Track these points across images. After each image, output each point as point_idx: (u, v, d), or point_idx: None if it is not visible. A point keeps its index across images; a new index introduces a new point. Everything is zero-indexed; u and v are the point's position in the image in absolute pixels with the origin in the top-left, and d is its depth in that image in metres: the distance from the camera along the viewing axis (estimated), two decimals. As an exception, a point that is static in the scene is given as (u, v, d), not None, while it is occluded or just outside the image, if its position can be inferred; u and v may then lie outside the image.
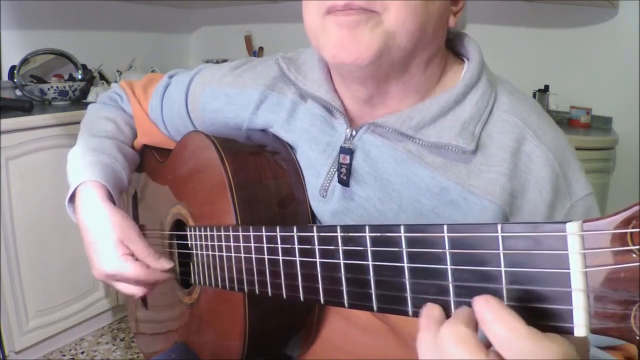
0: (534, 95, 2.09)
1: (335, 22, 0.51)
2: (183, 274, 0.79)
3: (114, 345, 2.01)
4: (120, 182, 0.78)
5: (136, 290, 0.70)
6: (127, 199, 1.01)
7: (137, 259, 0.69)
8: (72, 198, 0.74)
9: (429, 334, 0.33)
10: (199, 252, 0.67)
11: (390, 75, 0.56)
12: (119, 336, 2.07)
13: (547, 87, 2.09)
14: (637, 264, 0.25)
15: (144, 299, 0.96)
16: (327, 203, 0.64)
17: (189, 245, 0.71)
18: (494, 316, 0.29)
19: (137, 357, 1.94)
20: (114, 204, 0.73)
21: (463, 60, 0.62)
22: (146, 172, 0.92)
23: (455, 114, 0.57)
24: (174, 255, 0.81)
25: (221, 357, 0.69)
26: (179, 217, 0.77)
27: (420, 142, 0.57)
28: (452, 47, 0.63)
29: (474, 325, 0.31)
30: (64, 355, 1.92)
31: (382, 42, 0.50)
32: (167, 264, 0.70)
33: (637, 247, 0.25)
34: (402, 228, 0.35)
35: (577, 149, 1.91)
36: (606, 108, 2.08)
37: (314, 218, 0.67)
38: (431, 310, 0.34)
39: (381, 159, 0.60)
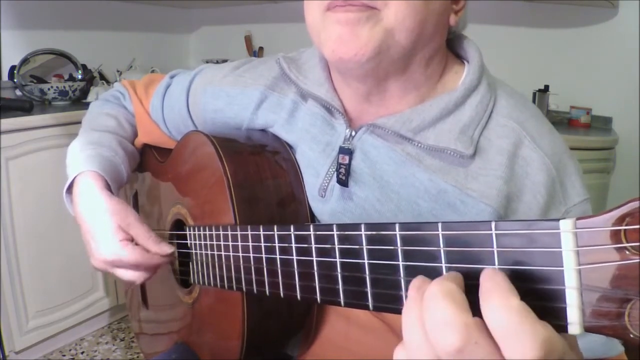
0: (534, 95, 2.09)
1: (335, 19, 0.51)
2: (183, 274, 0.79)
3: (114, 345, 2.01)
4: (119, 175, 0.78)
5: (136, 276, 0.70)
6: (127, 198, 1.02)
7: (136, 244, 0.69)
8: (70, 190, 0.74)
9: (417, 304, 0.31)
10: (198, 251, 0.67)
11: (390, 73, 0.56)
12: (119, 336, 2.07)
13: (547, 87, 2.09)
14: (631, 261, 0.25)
15: (144, 299, 0.96)
16: (326, 203, 0.64)
17: (188, 244, 0.71)
18: (493, 284, 0.28)
19: (137, 357, 1.94)
20: (112, 194, 0.73)
21: (463, 62, 0.62)
22: (147, 172, 0.92)
23: (455, 117, 0.57)
24: (174, 254, 0.81)
25: (221, 357, 0.69)
26: (179, 216, 0.77)
27: (419, 144, 0.57)
28: (452, 48, 0.63)
29: (463, 287, 0.30)
30: (64, 355, 1.92)
31: (382, 40, 0.51)
32: (167, 249, 0.70)
33: (631, 244, 0.25)
34: (397, 226, 0.35)
35: (577, 149, 1.90)
36: (606, 108, 2.08)
37: (313, 218, 0.67)
38: (422, 283, 0.32)
39: (380, 160, 0.60)
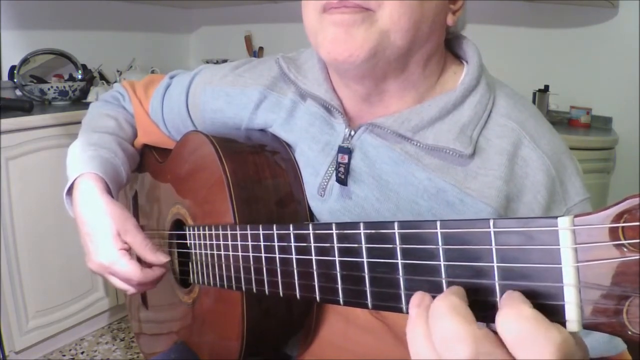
0: (534, 95, 2.09)
1: (331, 20, 0.52)
2: (183, 274, 0.79)
3: (114, 345, 2.01)
4: (119, 176, 0.78)
5: (127, 288, 0.70)
6: (127, 198, 1.02)
7: (133, 255, 0.69)
8: (70, 191, 0.74)
9: (421, 321, 0.31)
10: (198, 251, 0.67)
11: (387, 73, 0.56)
12: (119, 336, 2.07)
13: (547, 87, 2.09)
14: (629, 258, 0.25)
15: (144, 299, 0.96)
16: (325, 202, 0.64)
17: (188, 244, 0.71)
18: (506, 297, 0.29)
19: (137, 357, 1.94)
20: (112, 197, 0.74)
21: (462, 62, 0.62)
22: (146, 172, 0.92)
23: (454, 117, 0.57)
24: (173, 254, 0.81)
25: (220, 357, 0.69)
26: (179, 216, 0.77)
27: (418, 144, 0.57)
28: (451, 49, 0.63)
29: (466, 300, 0.31)
30: (64, 355, 1.92)
31: (377, 41, 0.51)
32: (163, 258, 0.70)
33: (629, 241, 0.25)
34: (395, 225, 0.35)
35: (577, 149, 1.90)
36: (606, 108, 2.08)
37: (312, 217, 0.67)
38: (421, 299, 0.33)
39: (379, 159, 0.60)
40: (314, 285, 0.44)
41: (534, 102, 2.08)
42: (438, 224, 0.33)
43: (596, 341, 0.56)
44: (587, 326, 0.27)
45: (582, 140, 1.87)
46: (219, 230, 0.60)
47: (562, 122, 2.11)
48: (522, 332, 0.26)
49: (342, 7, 0.50)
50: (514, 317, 0.27)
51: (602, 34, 2.06)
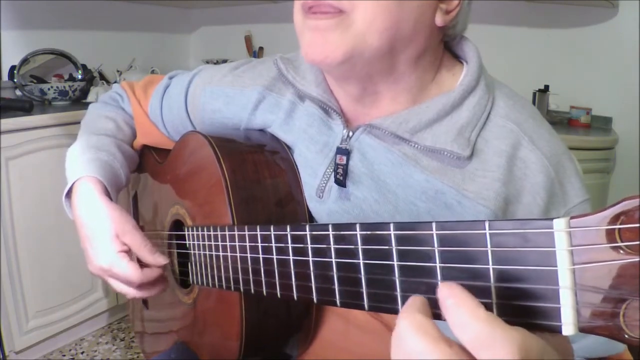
0: (534, 95, 2.09)
1: (309, 25, 0.53)
2: (182, 274, 0.79)
3: (114, 345, 2.01)
4: (118, 179, 0.78)
5: (128, 291, 0.70)
6: (127, 199, 1.02)
7: (132, 257, 0.69)
8: (69, 194, 0.75)
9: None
10: (197, 252, 0.67)
11: (373, 74, 0.56)
12: (119, 336, 2.07)
13: (547, 87, 2.09)
14: (626, 260, 0.24)
15: (144, 299, 0.96)
16: (323, 203, 0.64)
17: (187, 245, 0.71)
18: (456, 300, 0.28)
19: (137, 357, 1.94)
20: (111, 199, 0.73)
21: (461, 63, 0.61)
22: (146, 173, 0.92)
23: (452, 118, 0.57)
24: (173, 255, 0.81)
25: (219, 357, 0.69)
26: (178, 217, 0.77)
27: (416, 145, 0.57)
28: (450, 49, 0.63)
29: (430, 314, 0.30)
30: (64, 355, 1.92)
31: (351, 45, 0.51)
32: (162, 260, 0.70)
33: (626, 243, 0.24)
34: (391, 226, 0.35)
35: (577, 149, 1.89)
36: (606, 108, 2.08)
37: (311, 218, 0.67)
38: (413, 300, 0.32)
39: (377, 160, 0.60)
40: (311, 287, 0.44)
41: (534, 102, 2.08)
42: (434, 225, 0.32)
43: (594, 342, 0.56)
44: (584, 329, 0.27)
45: (582, 140, 1.87)
46: (217, 231, 0.60)
47: (562, 122, 2.11)
48: (480, 336, 0.26)
49: (318, 13, 0.52)
50: (470, 322, 0.27)
51: (602, 34, 2.06)
